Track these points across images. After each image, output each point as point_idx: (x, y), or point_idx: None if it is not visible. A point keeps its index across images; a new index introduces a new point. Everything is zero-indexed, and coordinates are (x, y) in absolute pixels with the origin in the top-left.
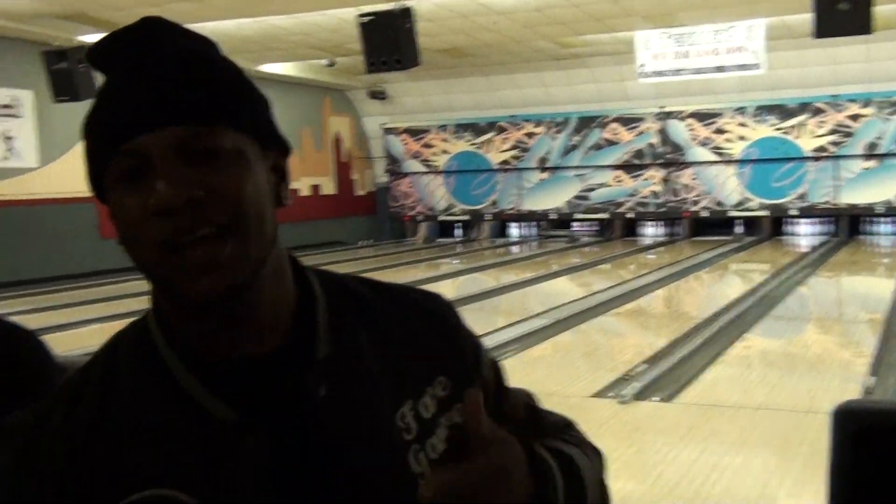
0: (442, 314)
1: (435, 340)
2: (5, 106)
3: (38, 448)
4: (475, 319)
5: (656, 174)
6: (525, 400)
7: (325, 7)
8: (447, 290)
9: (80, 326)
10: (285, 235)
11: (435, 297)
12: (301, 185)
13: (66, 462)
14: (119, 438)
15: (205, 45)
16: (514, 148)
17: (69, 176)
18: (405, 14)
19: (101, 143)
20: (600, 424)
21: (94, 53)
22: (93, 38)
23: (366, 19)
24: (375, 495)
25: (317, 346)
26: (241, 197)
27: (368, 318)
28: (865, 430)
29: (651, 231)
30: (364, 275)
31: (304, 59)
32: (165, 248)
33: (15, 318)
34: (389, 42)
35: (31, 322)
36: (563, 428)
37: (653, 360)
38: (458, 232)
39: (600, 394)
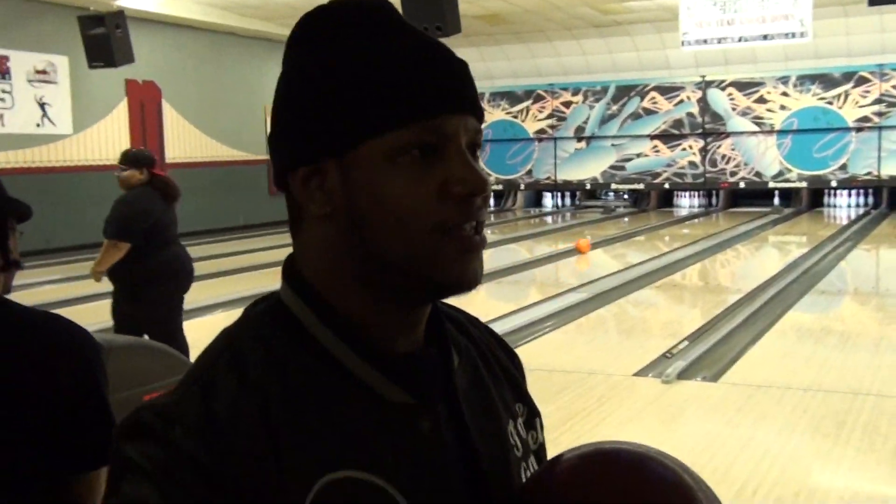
0: (512, 351)
1: (514, 370)
2: (41, 72)
3: (218, 419)
4: (509, 292)
5: (695, 144)
6: None
7: None
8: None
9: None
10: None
11: (494, 331)
12: None
13: (252, 447)
14: (307, 414)
15: None
16: (550, 117)
17: (103, 143)
18: None
19: (387, 106)
20: (645, 405)
21: (335, 13)
22: (127, 2)
23: None
24: (495, 498)
25: (451, 354)
26: (489, 196)
27: (469, 338)
28: None
29: (687, 202)
30: None
31: None
32: (445, 231)
33: (48, 287)
34: (431, 8)
35: (63, 291)
36: None
37: (693, 337)
38: (492, 202)
39: (642, 372)
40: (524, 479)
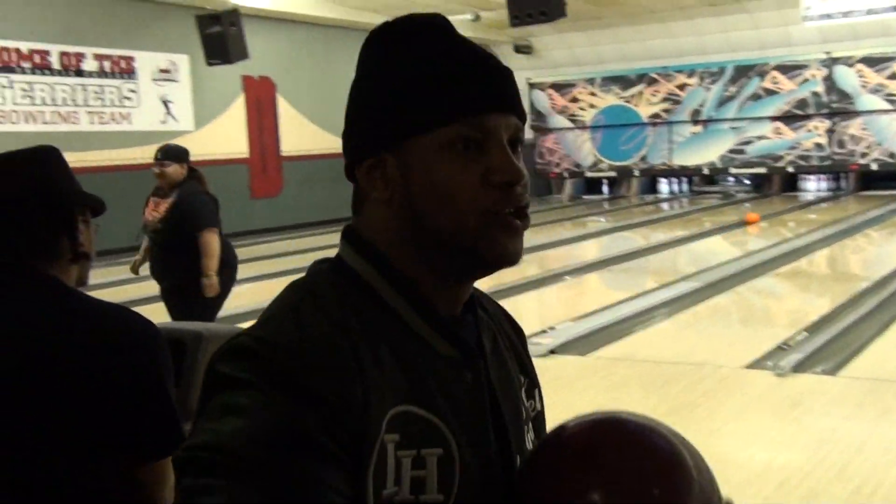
0: (519, 327)
1: (519, 345)
2: (164, 70)
3: (315, 345)
4: (623, 281)
5: (820, 125)
6: None
7: None
8: (593, 249)
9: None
10: None
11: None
12: None
13: (349, 354)
14: (377, 346)
15: None
16: (664, 100)
17: (222, 138)
18: None
19: (440, 106)
20: (755, 398)
21: (401, 27)
22: (242, 0)
23: None
24: (513, 461)
25: (481, 322)
26: (528, 184)
27: (482, 307)
28: None
29: (813, 186)
30: None
31: (449, 14)
32: (492, 214)
33: None
34: None
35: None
36: None
37: (814, 327)
38: (606, 189)
39: (755, 365)
40: (528, 442)
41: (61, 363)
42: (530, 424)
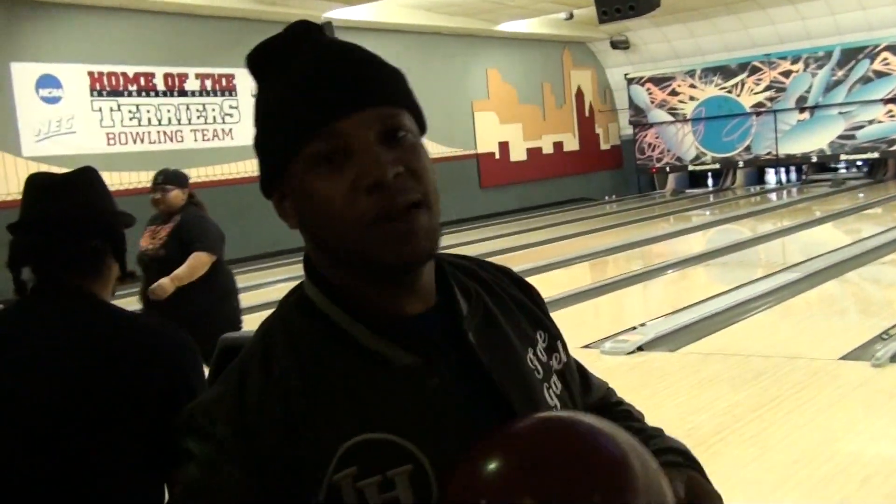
0: (526, 283)
1: (528, 302)
2: (225, 88)
3: (248, 414)
4: (725, 273)
5: None
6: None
7: None
8: (698, 243)
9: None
10: (529, 194)
11: (510, 269)
12: (543, 142)
13: (283, 420)
14: (325, 396)
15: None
16: (768, 89)
17: None
18: None
19: (292, 131)
20: (848, 391)
21: (257, 58)
22: (337, 13)
23: None
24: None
25: (459, 305)
26: (427, 174)
27: (482, 284)
28: None
29: None
30: (611, 231)
31: (542, 13)
32: (370, 222)
33: (279, 286)
34: None
35: (272, 293)
36: (607, 392)
37: None
38: (710, 182)
39: (851, 356)
40: (548, 398)
41: (103, 377)
42: (554, 379)
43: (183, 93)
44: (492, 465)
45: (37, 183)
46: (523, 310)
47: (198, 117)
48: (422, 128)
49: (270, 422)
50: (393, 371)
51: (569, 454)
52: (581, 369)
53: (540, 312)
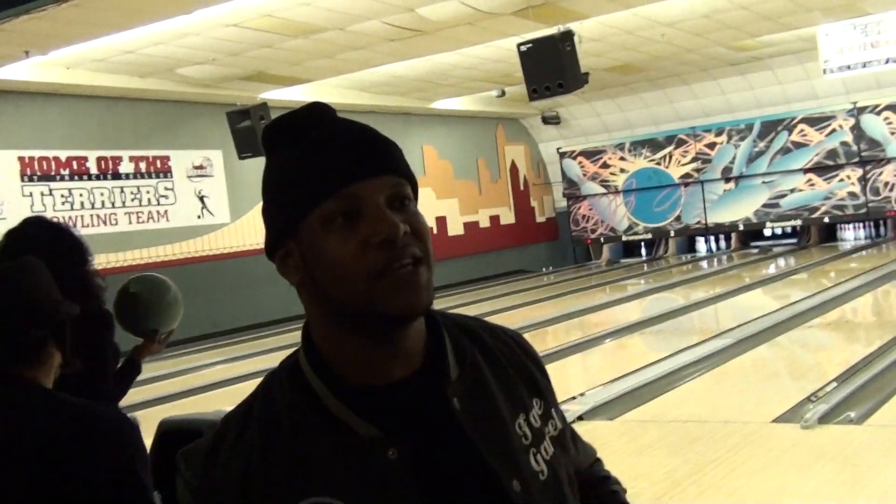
0: (531, 349)
1: (531, 368)
2: (198, 167)
3: (216, 469)
4: (660, 341)
5: (853, 174)
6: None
7: (487, 40)
8: (634, 311)
9: None
10: (467, 267)
11: (520, 335)
12: (480, 216)
13: (239, 479)
14: (281, 458)
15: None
16: (695, 160)
17: (258, 227)
18: (566, 37)
19: (309, 191)
20: (780, 453)
21: (275, 129)
22: (271, 94)
23: (525, 48)
24: (507, 487)
25: (449, 369)
26: (426, 236)
27: (482, 347)
28: None
29: (851, 235)
30: (549, 301)
31: (475, 91)
32: (378, 274)
33: (218, 367)
34: (551, 67)
35: (230, 370)
36: (596, 462)
37: (844, 377)
38: (644, 251)
39: (782, 419)
40: (534, 463)
41: (42, 460)
42: (545, 444)
43: (117, 175)
44: None
45: None
46: (523, 376)
47: (132, 199)
48: (415, 199)
49: (230, 478)
50: (357, 440)
51: None
52: (573, 434)
53: (542, 380)
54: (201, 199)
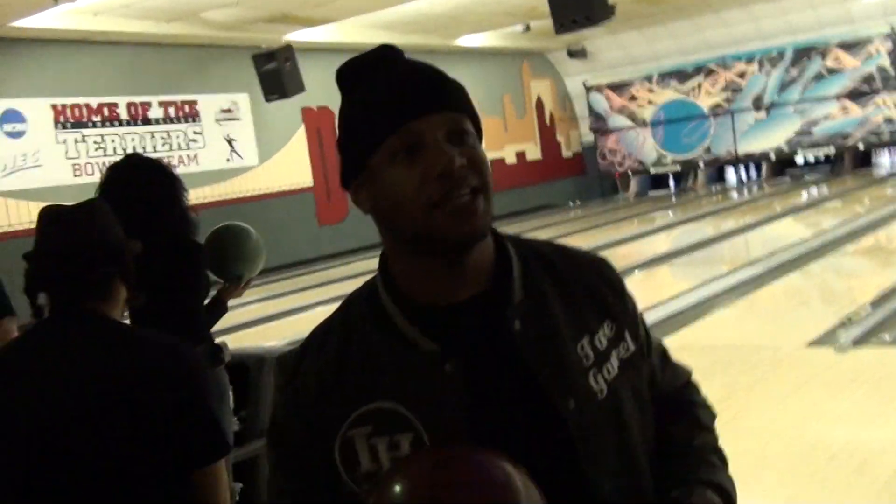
0: (610, 273)
1: (604, 291)
2: (226, 111)
3: (300, 374)
4: (690, 271)
5: (889, 99)
6: (662, 349)
7: None
8: (662, 243)
9: (302, 311)
10: (494, 204)
11: (605, 259)
12: (506, 153)
13: (317, 384)
14: (353, 367)
15: None
16: (725, 90)
17: (286, 170)
18: None
19: (373, 129)
20: (812, 376)
21: (346, 72)
22: (296, 35)
23: None
24: (560, 404)
25: (513, 292)
26: (484, 167)
27: (552, 272)
28: None
29: (887, 161)
30: (577, 235)
31: (499, 27)
32: (436, 203)
33: (253, 306)
34: (577, 0)
35: (258, 311)
36: (686, 385)
37: (879, 301)
38: (672, 183)
39: (817, 343)
40: (593, 383)
41: (120, 392)
42: (608, 365)
43: (147, 121)
44: (396, 491)
45: (50, 215)
46: (594, 299)
47: (162, 144)
48: (479, 135)
49: (310, 382)
50: (418, 355)
51: (461, 484)
52: (665, 356)
53: (617, 303)
54: (229, 142)
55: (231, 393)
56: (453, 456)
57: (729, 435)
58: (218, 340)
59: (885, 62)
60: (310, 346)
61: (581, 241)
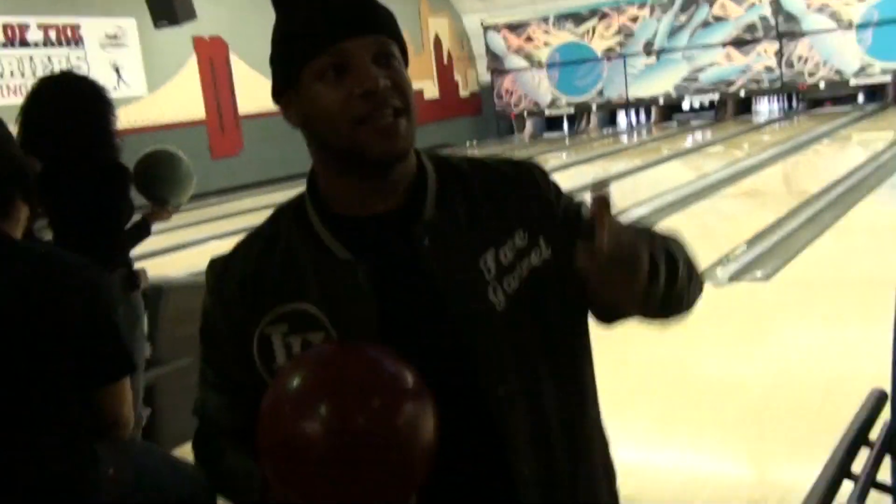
0: (531, 178)
1: (515, 201)
2: (111, 36)
3: (226, 275)
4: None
5: (770, 48)
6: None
7: None
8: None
9: (196, 245)
10: None
11: (521, 164)
12: None
13: (240, 281)
14: (274, 270)
15: None
16: (618, 34)
17: (177, 101)
18: None
19: (303, 47)
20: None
21: None
22: None
23: None
24: (459, 314)
25: (425, 210)
26: (408, 90)
27: (466, 188)
28: None
29: (766, 108)
30: None
31: None
32: (360, 121)
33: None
34: None
35: (146, 246)
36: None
37: (756, 240)
38: (566, 125)
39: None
40: (492, 296)
41: (22, 308)
42: (509, 278)
43: (25, 43)
44: (295, 381)
45: None
46: (506, 210)
47: (43, 69)
48: (405, 60)
49: (234, 280)
50: (334, 261)
51: (357, 373)
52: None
53: (534, 208)
54: (116, 69)
55: (146, 318)
56: (353, 348)
57: (610, 365)
58: (137, 266)
59: (767, 11)
60: (237, 250)
61: None
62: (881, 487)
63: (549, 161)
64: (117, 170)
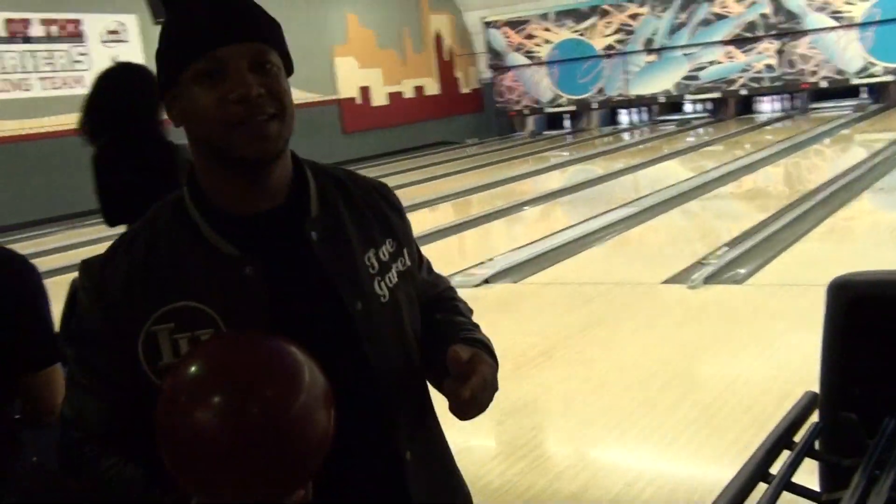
0: (392, 198)
1: (388, 213)
2: (112, 32)
3: (107, 276)
4: (576, 209)
5: (770, 46)
6: (429, 267)
7: None
8: (555, 181)
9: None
10: (391, 138)
11: (387, 185)
12: (403, 87)
13: (124, 282)
14: (159, 268)
15: None
16: (618, 31)
17: None
18: None
19: (183, 51)
20: (664, 311)
21: None
22: None
23: None
24: (351, 303)
25: (311, 207)
26: (284, 96)
27: (344, 192)
28: (857, 300)
29: (767, 107)
30: (472, 172)
31: None
32: (234, 124)
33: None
34: None
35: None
36: (449, 289)
37: (736, 242)
38: (567, 123)
39: (673, 280)
40: (377, 288)
41: None
42: (391, 274)
43: (27, 39)
44: (193, 369)
45: None
46: (378, 218)
47: (45, 65)
48: (288, 69)
49: (117, 281)
50: (221, 258)
51: (252, 363)
52: (431, 269)
53: (399, 224)
54: None
55: None
56: (249, 338)
57: (583, 360)
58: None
59: (767, 10)
60: (116, 250)
61: (478, 178)
62: (798, 491)
63: (550, 159)
64: (174, 148)
